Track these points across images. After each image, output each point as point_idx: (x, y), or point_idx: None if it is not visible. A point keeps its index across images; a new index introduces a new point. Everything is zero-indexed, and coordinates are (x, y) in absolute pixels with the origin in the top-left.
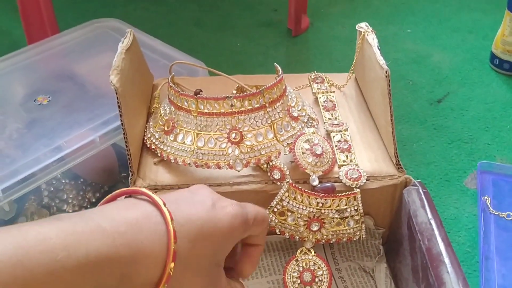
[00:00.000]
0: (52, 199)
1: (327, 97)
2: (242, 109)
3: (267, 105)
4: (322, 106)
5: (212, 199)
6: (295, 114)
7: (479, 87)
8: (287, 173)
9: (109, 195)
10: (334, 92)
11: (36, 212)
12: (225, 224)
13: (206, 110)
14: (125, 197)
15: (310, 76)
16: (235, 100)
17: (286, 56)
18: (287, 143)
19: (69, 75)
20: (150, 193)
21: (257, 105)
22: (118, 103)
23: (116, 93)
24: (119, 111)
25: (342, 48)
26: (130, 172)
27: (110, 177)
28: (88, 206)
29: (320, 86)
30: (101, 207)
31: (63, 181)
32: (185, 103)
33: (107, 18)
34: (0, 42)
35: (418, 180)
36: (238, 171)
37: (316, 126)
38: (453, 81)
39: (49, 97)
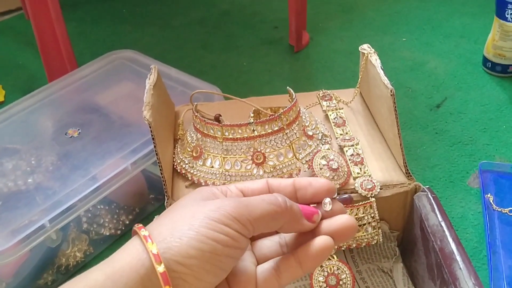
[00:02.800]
0: (91, 224)
1: (337, 114)
2: (263, 132)
3: (285, 127)
4: (333, 122)
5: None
6: (310, 133)
7: (474, 90)
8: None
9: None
10: (342, 108)
11: (77, 238)
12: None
13: (230, 136)
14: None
15: (319, 94)
16: (256, 125)
17: (290, 72)
18: (306, 161)
19: (93, 107)
20: (139, 231)
21: (276, 128)
22: (152, 135)
23: (150, 127)
24: (153, 142)
25: (343, 61)
26: (165, 196)
27: (140, 199)
28: (123, 228)
29: (329, 103)
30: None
31: (99, 207)
32: (211, 131)
33: (121, 49)
34: (18, 76)
35: (427, 186)
36: None
37: (329, 142)
38: (450, 86)
39: (78, 129)
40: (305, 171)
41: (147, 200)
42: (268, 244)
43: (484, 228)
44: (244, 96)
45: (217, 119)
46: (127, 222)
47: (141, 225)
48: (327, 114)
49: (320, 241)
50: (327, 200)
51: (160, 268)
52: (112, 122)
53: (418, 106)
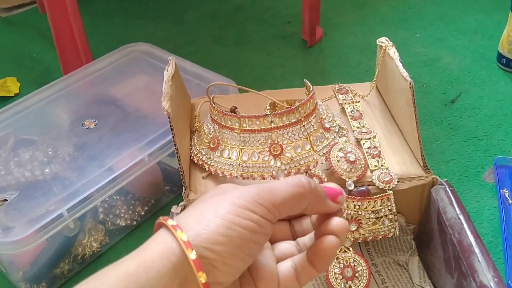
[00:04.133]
0: (107, 215)
1: (353, 107)
2: (281, 124)
3: (302, 119)
4: (350, 115)
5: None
6: (327, 126)
7: (489, 86)
8: (325, 180)
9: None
10: (359, 102)
11: (93, 228)
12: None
13: (248, 128)
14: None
15: (335, 88)
16: (274, 117)
17: (304, 66)
18: (323, 153)
19: (109, 100)
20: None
21: (294, 120)
22: (171, 126)
23: (169, 117)
24: (172, 133)
25: (356, 56)
26: (183, 186)
27: (156, 191)
28: (138, 219)
29: (345, 96)
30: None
31: (115, 197)
32: (229, 122)
33: (137, 42)
34: (32, 69)
35: (445, 180)
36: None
37: (346, 135)
38: (464, 81)
39: (95, 121)
40: (322, 163)
41: (163, 191)
42: (287, 246)
43: (500, 223)
44: (258, 91)
45: (233, 111)
46: (143, 213)
47: (166, 217)
48: (343, 107)
49: (325, 241)
50: (350, 181)
51: (192, 255)
52: (128, 114)
53: (432, 102)
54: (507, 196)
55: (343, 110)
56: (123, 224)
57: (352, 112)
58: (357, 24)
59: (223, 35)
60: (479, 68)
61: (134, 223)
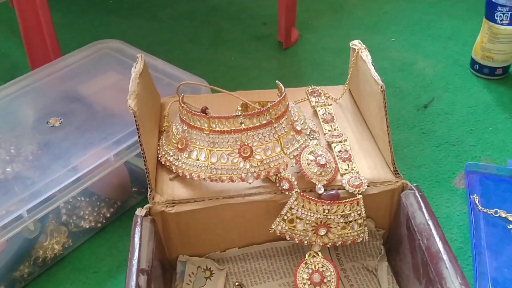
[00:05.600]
0: (70, 216)
1: (325, 110)
2: (251, 125)
3: (273, 121)
4: (322, 118)
5: None
6: (298, 128)
7: (462, 92)
8: (295, 183)
9: None
10: (331, 104)
11: (55, 229)
12: None
13: (218, 128)
14: None
15: (308, 90)
16: (244, 118)
17: (279, 68)
18: (293, 156)
19: (77, 97)
20: None
21: (264, 122)
22: (136, 125)
23: (135, 116)
24: (138, 133)
25: (331, 59)
26: (149, 188)
27: (122, 192)
28: (103, 221)
29: (318, 99)
30: None
31: (79, 198)
32: (198, 122)
33: (108, 39)
34: (0, 64)
35: (415, 185)
36: (250, 184)
37: (317, 138)
38: (437, 86)
39: (60, 119)
40: (292, 166)
41: (130, 193)
42: None
43: (470, 229)
44: (232, 91)
45: (204, 111)
46: (108, 215)
47: None
48: (315, 110)
49: None
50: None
51: None
52: (95, 112)
53: (405, 106)
54: (477, 202)
55: (315, 112)
56: (87, 226)
57: (324, 115)
58: (333, 27)
59: (198, 35)
60: (452, 74)
61: (99, 225)
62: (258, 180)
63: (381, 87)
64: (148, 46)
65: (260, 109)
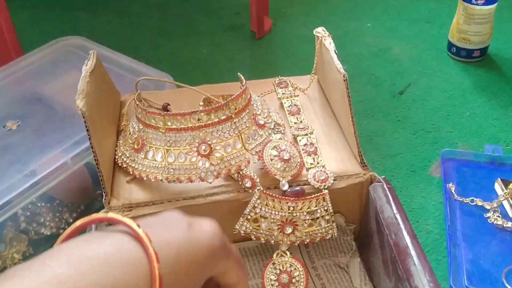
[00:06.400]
0: (30, 224)
1: (291, 102)
2: (209, 122)
3: (233, 116)
4: (288, 111)
5: (186, 220)
6: (261, 122)
7: (439, 76)
8: (258, 180)
9: (67, 230)
10: (298, 96)
11: (15, 238)
12: (205, 243)
13: (174, 126)
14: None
15: (275, 81)
16: (201, 114)
17: (252, 59)
18: (256, 151)
19: (37, 98)
20: (119, 217)
21: (224, 117)
22: (86, 126)
23: (84, 117)
24: (88, 134)
25: (306, 47)
26: (103, 193)
27: (85, 196)
28: (66, 227)
29: (285, 90)
30: (58, 247)
31: (39, 204)
32: (153, 121)
33: (70, 36)
34: None
35: (383, 177)
36: (210, 183)
37: (282, 132)
38: (413, 72)
39: (18, 121)
40: (254, 162)
41: (93, 196)
42: None
43: (445, 219)
44: (199, 86)
45: (166, 108)
46: (71, 221)
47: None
48: (281, 102)
49: None
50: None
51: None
52: (55, 113)
53: (381, 93)
54: (453, 191)
55: (282, 105)
56: (49, 233)
57: (290, 107)
58: (308, 14)
59: (169, 27)
60: (429, 58)
61: (61, 231)
62: (219, 179)
63: (344, 76)
64: (117, 41)
65: (219, 103)
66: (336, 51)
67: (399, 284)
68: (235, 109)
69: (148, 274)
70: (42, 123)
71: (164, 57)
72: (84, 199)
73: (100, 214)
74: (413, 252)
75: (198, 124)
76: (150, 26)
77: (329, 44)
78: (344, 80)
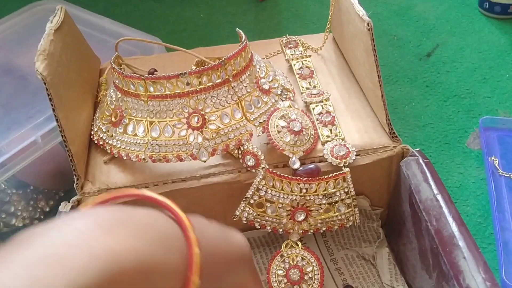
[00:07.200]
0: None
1: (302, 63)
2: (201, 86)
3: (230, 78)
4: (298, 74)
5: (216, 222)
6: (266, 87)
7: (471, 35)
8: (262, 157)
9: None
10: (310, 56)
11: None
12: (238, 248)
13: (157, 93)
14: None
15: (282, 41)
16: (191, 76)
17: (256, 23)
18: (259, 122)
19: (8, 69)
20: (155, 195)
21: (219, 80)
22: (48, 95)
23: (45, 83)
24: (52, 105)
25: (317, 8)
26: (74, 176)
27: (63, 181)
28: (42, 217)
29: (294, 51)
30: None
31: (9, 191)
32: (132, 87)
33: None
34: None
35: (417, 149)
36: (204, 162)
37: (292, 98)
38: (442, 31)
39: None
40: (258, 135)
41: (72, 181)
42: None
43: (490, 199)
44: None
45: (152, 74)
46: (47, 209)
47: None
48: (291, 65)
49: None
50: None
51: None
52: (26, 86)
53: (405, 56)
54: (496, 165)
55: (291, 68)
56: (21, 225)
57: (301, 69)
58: None
59: None
60: (458, 16)
61: (36, 222)
62: (215, 157)
63: (368, 23)
64: (106, 7)
65: (213, 64)
66: None
67: (444, 282)
68: (233, 70)
69: (185, 256)
70: (12, 97)
71: (158, 25)
72: (63, 184)
73: (132, 190)
74: (461, 243)
75: (187, 90)
76: None
77: None
78: (369, 29)
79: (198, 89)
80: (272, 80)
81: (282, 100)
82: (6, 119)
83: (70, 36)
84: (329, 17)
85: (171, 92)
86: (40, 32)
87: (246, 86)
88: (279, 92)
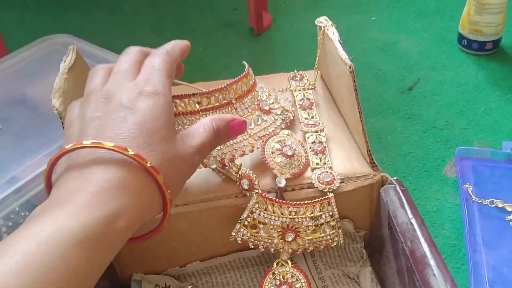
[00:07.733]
0: None
1: (304, 95)
2: (210, 106)
3: (233, 101)
4: (299, 105)
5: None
6: (266, 108)
7: (450, 70)
8: (256, 182)
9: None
10: (311, 89)
11: None
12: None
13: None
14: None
15: (290, 75)
16: (201, 97)
17: (250, 56)
18: (259, 137)
19: (20, 99)
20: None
21: (224, 102)
22: (63, 128)
23: (60, 118)
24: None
25: (307, 44)
26: None
27: None
28: None
29: (299, 83)
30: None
31: (22, 214)
32: None
33: (57, 34)
34: None
35: (395, 178)
36: (213, 169)
37: (291, 117)
38: (423, 66)
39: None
40: (258, 147)
41: None
42: None
43: (463, 223)
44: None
45: None
46: None
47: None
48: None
49: None
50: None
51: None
52: (38, 116)
53: (389, 90)
54: (470, 192)
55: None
56: None
57: (302, 100)
58: (309, 9)
59: (163, 25)
60: (439, 52)
61: None
62: (215, 184)
63: (350, 67)
64: (108, 40)
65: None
66: (341, 41)
67: None
68: (235, 94)
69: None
70: (25, 126)
71: None
72: None
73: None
74: (432, 262)
75: (197, 109)
76: (144, 24)
77: (333, 34)
78: (351, 72)
79: (206, 108)
80: (273, 103)
81: (282, 119)
82: (20, 147)
83: (80, 72)
84: (317, 58)
85: (184, 110)
86: (51, 64)
87: (247, 107)
88: (279, 112)
